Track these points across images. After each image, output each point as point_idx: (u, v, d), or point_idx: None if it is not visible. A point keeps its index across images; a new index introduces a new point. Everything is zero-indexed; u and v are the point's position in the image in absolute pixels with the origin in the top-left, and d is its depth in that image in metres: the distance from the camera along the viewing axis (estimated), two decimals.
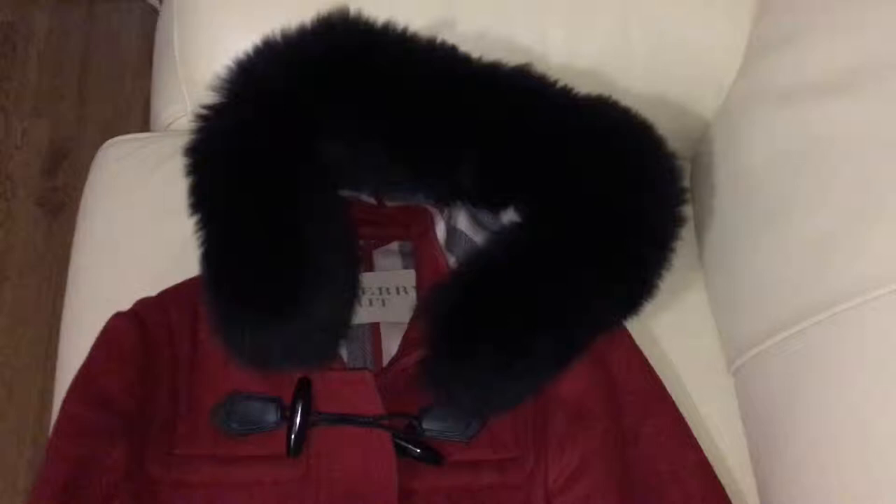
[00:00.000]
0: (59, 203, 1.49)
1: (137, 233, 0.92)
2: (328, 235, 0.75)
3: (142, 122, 1.53)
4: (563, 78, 0.79)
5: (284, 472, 0.73)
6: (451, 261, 0.82)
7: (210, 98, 0.75)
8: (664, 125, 0.78)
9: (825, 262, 0.71)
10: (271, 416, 0.75)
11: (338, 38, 0.77)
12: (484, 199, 0.81)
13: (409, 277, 0.85)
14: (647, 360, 0.80)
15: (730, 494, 0.76)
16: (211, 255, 0.73)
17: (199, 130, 0.75)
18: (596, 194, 0.75)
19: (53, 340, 1.14)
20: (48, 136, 1.55)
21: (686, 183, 0.78)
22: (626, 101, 0.79)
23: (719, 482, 0.76)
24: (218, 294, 0.73)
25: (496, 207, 0.81)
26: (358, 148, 0.76)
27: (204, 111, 0.75)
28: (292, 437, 0.73)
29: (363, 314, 0.82)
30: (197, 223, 0.73)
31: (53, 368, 0.90)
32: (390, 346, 0.80)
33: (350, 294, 0.76)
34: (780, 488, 0.73)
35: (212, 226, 0.73)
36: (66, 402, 0.72)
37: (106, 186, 0.97)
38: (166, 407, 0.74)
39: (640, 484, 0.74)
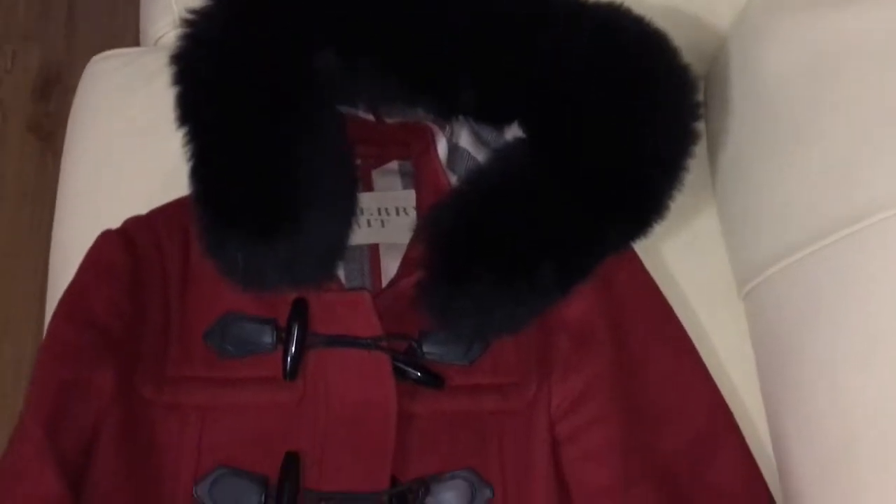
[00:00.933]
0: (50, 129, 1.45)
1: (127, 151, 0.89)
2: (324, 151, 0.72)
3: (134, 45, 1.48)
4: None
5: (281, 395, 0.71)
6: (453, 180, 0.79)
7: (198, 1, 0.71)
8: (678, 40, 0.74)
9: (844, 180, 0.68)
10: (267, 338, 0.72)
11: None
12: (486, 115, 0.77)
13: (408, 198, 0.82)
14: (655, 283, 0.78)
15: (737, 417, 0.74)
16: (200, 171, 0.70)
17: (186, 37, 0.71)
18: (604, 108, 0.71)
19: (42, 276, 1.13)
20: (38, 61, 1.51)
21: (701, 97, 0.74)
22: (638, 10, 0.75)
23: (728, 408, 0.74)
24: (208, 212, 0.70)
25: (499, 123, 0.77)
26: (353, 60, 0.72)
27: (191, 16, 0.71)
28: (288, 359, 0.71)
29: (361, 235, 0.79)
30: (185, 136, 0.70)
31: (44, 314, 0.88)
32: (389, 267, 0.78)
33: (347, 213, 0.73)
34: (788, 409, 0.71)
35: (200, 139, 0.70)
36: (52, 321, 0.70)
37: (94, 105, 0.94)
38: (157, 328, 0.72)
39: (646, 410, 0.72)
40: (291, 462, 0.69)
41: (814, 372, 0.67)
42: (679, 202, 0.74)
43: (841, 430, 0.64)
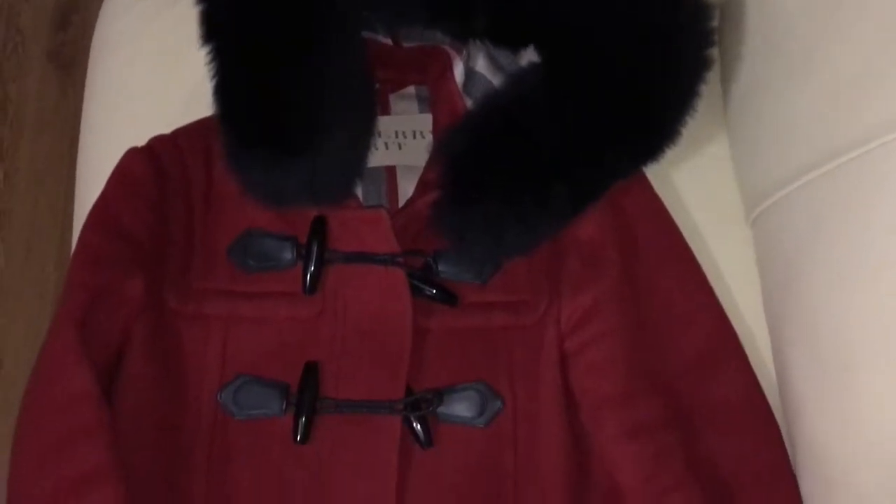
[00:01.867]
0: (69, 57, 1.46)
1: (150, 74, 0.91)
2: (345, 73, 0.73)
3: None
4: None
5: (300, 309, 0.74)
6: (469, 104, 0.80)
7: None
8: None
9: (851, 104, 0.69)
10: (287, 254, 0.75)
11: None
12: (502, 38, 0.78)
13: (425, 121, 0.83)
14: (665, 208, 0.80)
15: (742, 342, 0.77)
16: (223, 89, 0.72)
17: None
18: (619, 32, 0.72)
19: (70, 197, 1.15)
20: None
21: (715, 23, 0.75)
22: None
23: (732, 329, 0.77)
24: (232, 130, 0.72)
25: (515, 47, 0.78)
26: None
27: None
28: (308, 274, 0.74)
29: (379, 157, 0.81)
30: (208, 54, 0.71)
31: (71, 223, 0.90)
32: (406, 188, 0.80)
33: (366, 134, 0.75)
34: (791, 328, 0.73)
35: (224, 56, 0.71)
36: (82, 233, 0.73)
37: (117, 29, 0.95)
38: (182, 242, 0.75)
39: (652, 327, 0.74)
40: (311, 371, 0.72)
41: (818, 291, 0.69)
42: (690, 128, 0.75)
43: (842, 346, 0.66)
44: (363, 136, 0.75)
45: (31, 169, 1.42)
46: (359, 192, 0.77)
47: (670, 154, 0.76)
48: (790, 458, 0.73)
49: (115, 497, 0.63)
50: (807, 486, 0.72)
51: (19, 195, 1.41)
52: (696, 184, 0.85)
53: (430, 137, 0.82)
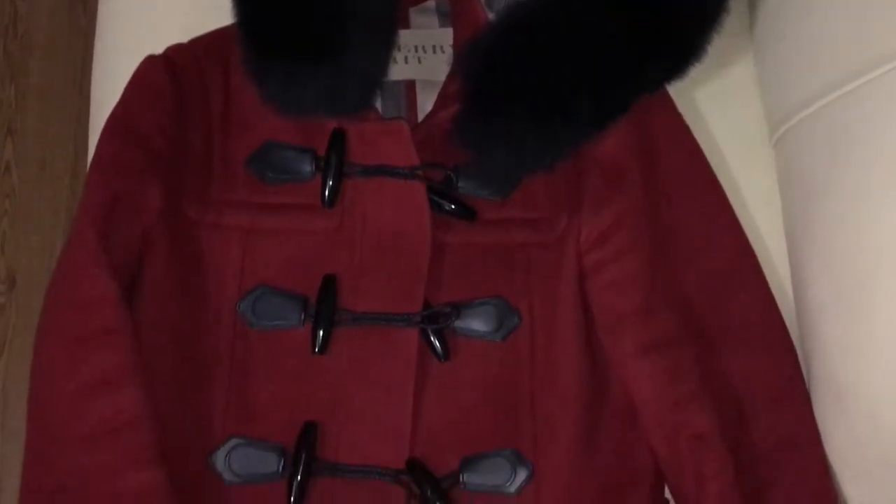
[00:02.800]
0: None
1: None
2: None
3: None
4: None
5: (319, 222, 0.74)
6: (491, 16, 0.78)
7: None
8: None
9: (877, 23, 0.68)
10: (306, 166, 0.74)
11: None
12: None
13: (446, 36, 0.82)
14: (688, 128, 0.79)
15: (762, 264, 0.76)
16: None
17: None
18: None
19: (84, 113, 1.14)
20: None
21: None
22: None
23: (752, 250, 0.76)
24: (252, 37, 0.71)
25: None
26: None
27: None
28: (326, 187, 0.73)
29: (398, 71, 0.80)
30: None
31: (85, 141, 0.90)
32: (425, 103, 0.79)
33: (387, 45, 0.74)
34: (810, 244, 0.73)
35: None
36: (100, 140, 0.72)
37: None
38: (200, 152, 0.74)
39: (671, 246, 0.74)
40: (329, 284, 0.72)
41: (838, 207, 0.68)
42: (716, 47, 0.74)
43: (861, 261, 0.66)
44: (383, 47, 0.74)
45: (44, 86, 1.40)
46: (378, 105, 0.76)
47: (695, 74, 0.75)
48: (804, 375, 0.74)
49: (136, 399, 0.64)
50: (820, 402, 0.72)
51: (32, 112, 1.40)
52: (721, 105, 0.85)
53: (450, 52, 0.81)
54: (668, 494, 0.74)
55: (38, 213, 1.36)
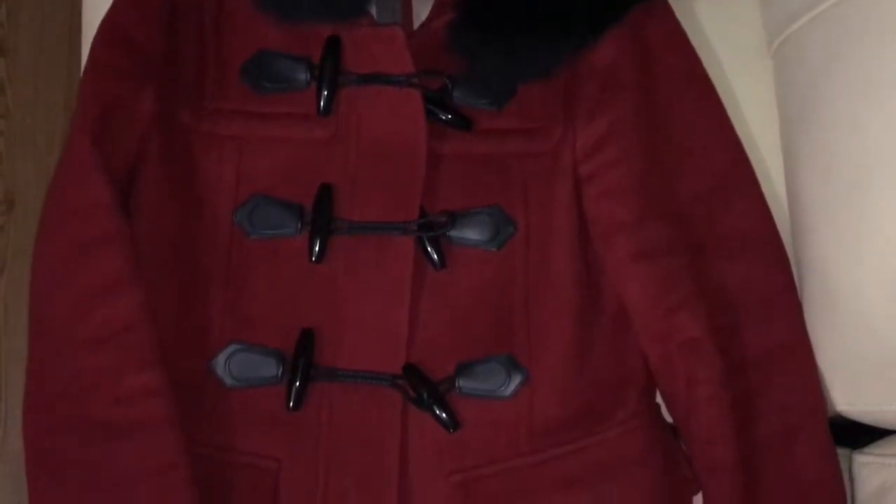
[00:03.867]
0: None
1: None
2: None
3: None
4: None
5: (314, 130, 0.74)
6: None
7: None
8: None
9: None
10: (301, 74, 0.74)
11: None
12: None
13: None
14: (687, 37, 0.78)
15: (758, 174, 0.76)
16: None
17: None
18: None
19: (77, 30, 1.12)
20: None
21: None
22: None
23: (748, 160, 0.76)
24: None
25: None
26: None
27: None
28: (322, 95, 0.73)
29: None
30: None
31: (79, 59, 0.88)
32: (420, 11, 0.78)
33: None
34: (806, 150, 0.73)
35: None
36: (92, 47, 0.71)
37: None
38: (194, 60, 0.73)
39: (667, 155, 0.74)
40: (325, 192, 0.72)
41: (835, 112, 0.68)
42: None
43: (856, 163, 0.66)
44: None
45: (35, 2, 1.38)
46: (373, 12, 0.75)
47: None
48: (796, 283, 0.75)
49: (137, 303, 0.65)
50: (811, 310, 0.73)
51: (24, 31, 1.38)
52: (719, 14, 0.84)
53: None
54: (658, 399, 0.75)
55: (33, 136, 1.36)
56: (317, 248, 0.71)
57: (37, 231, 0.69)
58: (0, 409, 1.28)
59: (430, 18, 0.75)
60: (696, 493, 0.73)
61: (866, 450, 0.75)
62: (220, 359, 0.70)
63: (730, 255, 0.73)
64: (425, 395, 0.69)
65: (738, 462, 0.68)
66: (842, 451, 0.75)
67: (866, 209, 0.65)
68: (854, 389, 0.72)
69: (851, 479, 0.75)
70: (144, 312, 0.65)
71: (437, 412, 0.70)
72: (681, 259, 0.71)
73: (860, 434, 0.78)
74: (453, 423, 0.70)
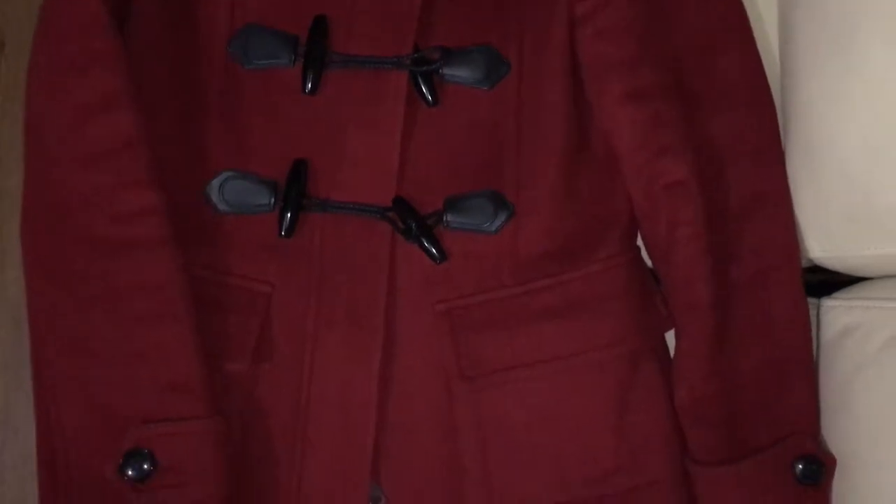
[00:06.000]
0: None
1: None
2: None
3: None
4: None
5: None
6: None
7: None
8: None
9: None
10: None
11: None
12: None
13: None
14: None
15: (752, 25, 0.76)
16: None
17: None
18: None
19: None
20: None
21: None
22: None
23: (743, 8, 0.76)
24: None
25: None
26: None
27: None
28: None
29: None
30: None
31: None
32: None
33: None
34: (801, 7, 0.73)
35: None
36: None
37: None
38: None
39: (673, 47, 0.74)
40: (320, 23, 0.72)
41: None
42: None
43: (847, 11, 0.67)
44: None
45: None
46: None
47: None
48: (780, 130, 0.76)
49: (133, 121, 0.66)
50: (793, 159, 0.75)
51: None
52: None
53: None
54: (639, 242, 0.78)
55: None
56: (310, 80, 0.72)
57: (31, 52, 0.69)
58: None
59: None
60: (668, 329, 0.76)
61: (834, 295, 0.78)
62: (215, 184, 0.72)
63: (719, 102, 0.74)
64: (414, 227, 0.72)
65: (713, 301, 0.71)
66: (811, 301, 0.78)
67: (852, 57, 0.66)
68: (828, 236, 0.75)
69: (818, 325, 0.78)
70: (141, 131, 0.66)
71: (425, 244, 0.72)
72: (671, 102, 0.72)
73: (829, 290, 0.81)
74: (440, 255, 0.72)
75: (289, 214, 0.71)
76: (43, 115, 0.67)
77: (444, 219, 0.73)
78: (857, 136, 0.69)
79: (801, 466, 0.71)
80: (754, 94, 0.76)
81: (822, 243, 0.76)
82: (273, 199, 0.71)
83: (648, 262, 0.78)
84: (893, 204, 0.70)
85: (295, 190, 0.71)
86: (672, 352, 0.75)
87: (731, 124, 0.74)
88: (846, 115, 0.68)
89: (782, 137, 0.76)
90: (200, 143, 0.72)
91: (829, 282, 0.82)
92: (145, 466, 0.63)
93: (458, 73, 0.73)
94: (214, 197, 0.72)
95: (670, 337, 0.76)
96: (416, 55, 0.72)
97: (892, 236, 0.71)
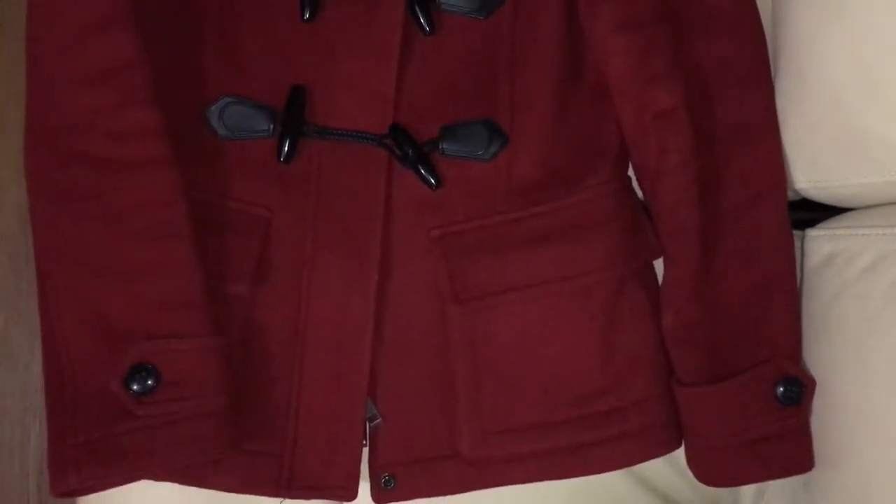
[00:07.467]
0: None
1: None
2: None
3: None
4: None
5: None
6: None
7: None
8: None
9: None
10: None
11: None
12: None
13: None
14: None
15: None
16: None
17: None
18: None
19: None
20: None
21: None
22: None
23: None
24: None
25: None
26: None
27: None
28: None
29: None
30: None
31: None
32: None
33: None
34: None
35: None
36: None
37: None
38: None
39: None
40: None
41: None
42: None
43: None
44: None
45: None
46: None
47: None
48: (771, 60, 0.77)
49: (133, 41, 0.66)
50: (782, 88, 0.76)
51: None
52: None
53: None
54: (630, 173, 0.79)
55: None
56: (308, 7, 0.73)
57: None
58: None
59: None
60: (657, 257, 0.78)
61: (818, 225, 0.80)
62: (214, 110, 0.73)
63: (709, 31, 0.75)
64: (410, 154, 0.73)
65: (701, 226, 0.73)
66: (796, 233, 0.79)
67: None
68: (815, 166, 0.77)
69: (802, 254, 0.80)
70: (140, 52, 0.67)
71: (421, 171, 0.74)
72: (662, 32, 0.73)
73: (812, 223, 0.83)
74: (436, 182, 0.74)
75: (288, 141, 0.72)
76: (42, 34, 0.67)
77: (440, 146, 0.74)
78: (846, 65, 0.70)
79: (782, 388, 0.73)
80: (744, 21, 0.76)
81: (808, 174, 0.77)
82: (272, 125, 0.73)
83: (641, 197, 0.79)
84: (882, 132, 0.71)
85: (293, 116, 0.72)
86: (661, 280, 0.77)
87: (722, 53, 0.75)
88: (836, 43, 0.69)
89: (773, 70, 0.77)
90: (198, 67, 0.73)
91: (813, 221, 0.83)
92: (149, 382, 0.65)
93: (455, 2, 0.74)
94: (214, 122, 0.73)
95: (659, 267, 0.78)
96: None
97: (879, 165, 0.73)
